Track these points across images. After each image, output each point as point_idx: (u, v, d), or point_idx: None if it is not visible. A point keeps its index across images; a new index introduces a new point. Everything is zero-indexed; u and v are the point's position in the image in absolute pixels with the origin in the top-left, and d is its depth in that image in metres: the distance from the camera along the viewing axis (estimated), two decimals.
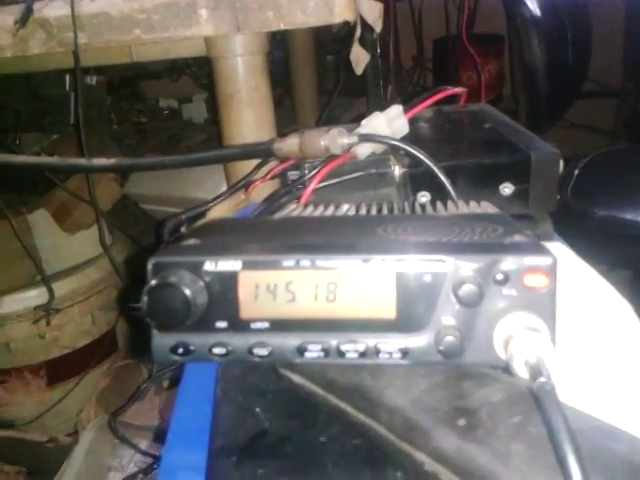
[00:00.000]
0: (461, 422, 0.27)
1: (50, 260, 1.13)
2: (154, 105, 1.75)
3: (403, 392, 0.30)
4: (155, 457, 0.92)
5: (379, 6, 0.83)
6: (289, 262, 0.30)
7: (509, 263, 0.29)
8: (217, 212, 0.68)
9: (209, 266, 0.30)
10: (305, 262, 0.30)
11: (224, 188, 1.00)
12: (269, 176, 0.69)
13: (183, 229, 0.67)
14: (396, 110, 0.56)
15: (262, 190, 0.73)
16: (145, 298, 0.29)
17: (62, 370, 1.17)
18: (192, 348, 0.31)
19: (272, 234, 0.36)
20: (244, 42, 0.84)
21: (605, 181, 1.10)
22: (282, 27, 0.80)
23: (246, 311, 0.30)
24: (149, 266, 0.30)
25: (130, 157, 0.55)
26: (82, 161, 0.57)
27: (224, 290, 0.30)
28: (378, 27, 0.85)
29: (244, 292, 0.30)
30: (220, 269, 0.30)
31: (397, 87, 1.73)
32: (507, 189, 0.53)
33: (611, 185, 1.07)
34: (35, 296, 1.08)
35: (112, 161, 0.57)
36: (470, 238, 0.32)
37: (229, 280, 0.30)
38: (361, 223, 0.40)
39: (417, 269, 0.29)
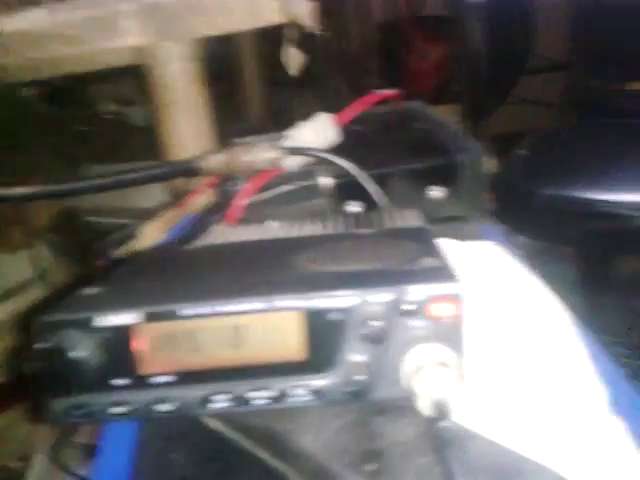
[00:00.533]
0: (369, 467, 0.26)
1: None
2: (94, 110, 1.70)
3: (315, 435, 0.29)
4: None
5: (309, 5, 0.81)
6: (188, 311, 0.28)
7: (415, 293, 0.28)
8: (151, 229, 0.66)
9: (99, 321, 0.28)
10: (205, 309, 0.28)
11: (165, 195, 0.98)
12: (205, 188, 0.67)
13: (114, 252, 0.65)
14: (324, 119, 0.55)
15: (197, 201, 0.71)
16: (29, 363, 0.27)
17: (8, 396, 1.13)
18: (91, 409, 0.29)
19: (175, 276, 0.35)
20: (175, 50, 0.81)
21: (551, 161, 1.11)
22: (209, 33, 0.77)
23: (144, 365, 0.29)
24: (33, 327, 0.28)
25: (51, 184, 0.53)
26: (1, 190, 0.55)
27: (118, 345, 0.28)
28: (311, 26, 0.83)
29: (140, 346, 0.28)
30: (111, 324, 0.28)
31: (346, 75, 1.72)
32: (436, 192, 0.52)
33: (557, 164, 1.08)
34: None
35: (32, 189, 0.55)
36: (381, 266, 0.31)
37: (122, 334, 0.28)
38: (276, 252, 0.38)
39: (324, 306, 0.28)
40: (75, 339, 0.27)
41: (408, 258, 0.32)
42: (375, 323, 0.28)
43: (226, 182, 0.61)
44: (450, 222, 0.52)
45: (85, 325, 0.28)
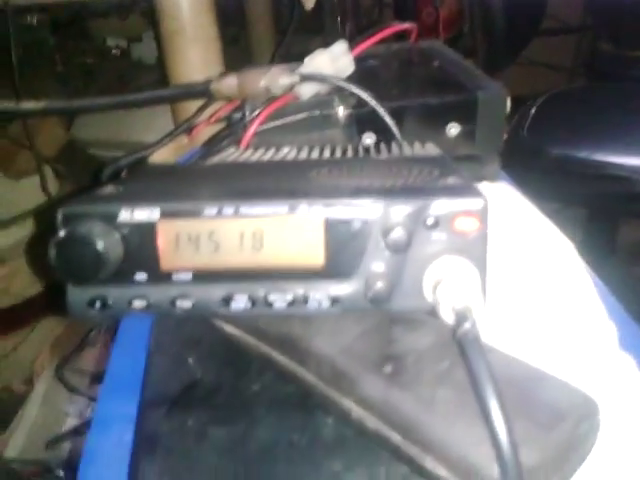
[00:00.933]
0: (387, 369, 0.27)
1: None
2: (101, 45, 1.66)
3: (332, 340, 0.29)
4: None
5: None
6: (211, 210, 0.28)
7: (439, 206, 0.28)
8: (159, 157, 0.66)
9: (124, 216, 0.28)
10: (228, 210, 0.28)
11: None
12: (213, 119, 0.66)
13: (123, 175, 0.64)
14: (341, 47, 0.54)
15: (206, 133, 0.70)
16: (52, 251, 0.27)
17: (14, 319, 1.14)
18: (110, 302, 0.29)
19: (198, 181, 0.34)
20: None
21: (561, 120, 1.10)
22: None
23: (167, 262, 0.29)
24: (58, 216, 0.28)
25: (62, 100, 0.52)
26: (10, 104, 0.54)
27: (142, 241, 0.28)
28: None
29: (164, 242, 0.28)
30: (137, 218, 0.28)
31: (356, 24, 1.68)
32: (453, 129, 0.52)
33: (567, 124, 1.07)
34: None
35: (41, 104, 0.53)
36: (404, 182, 0.31)
37: (147, 230, 0.28)
38: (295, 167, 0.38)
39: (346, 215, 0.28)
40: (100, 231, 0.27)
41: (432, 177, 0.32)
42: (398, 233, 0.28)
43: (235, 110, 0.61)
44: (467, 161, 0.51)
45: (111, 218, 0.28)
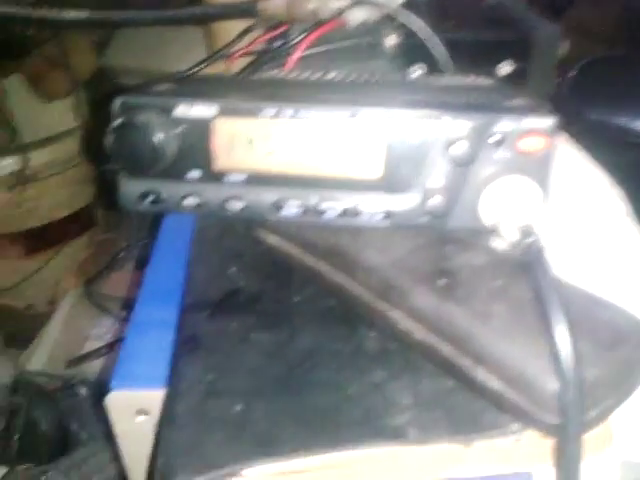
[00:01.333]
0: (441, 282, 0.26)
1: (26, 129, 1.08)
2: None
3: (383, 253, 0.29)
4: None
5: None
6: (270, 110, 0.28)
7: (505, 123, 0.27)
8: None
9: (182, 110, 0.27)
10: (288, 111, 0.28)
11: None
12: (252, 46, 0.64)
13: None
14: None
15: (245, 62, 0.69)
16: (109, 137, 0.26)
17: (40, 241, 1.15)
18: (162, 197, 0.29)
19: (253, 85, 0.34)
20: None
21: (600, 86, 1.06)
22: None
23: (221, 162, 0.28)
24: (116, 105, 0.27)
25: (103, 12, 0.51)
26: (52, 12, 0.52)
27: (198, 137, 0.28)
28: None
29: (219, 141, 0.28)
30: (194, 114, 0.27)
31: None
32: (506, 68, 0.50)
33: (606, 90, 1.03)
34: (11, 163, 1.04)
35: (84, 14, 0.52)
36: (467, 100, 0.30)
37: (203, 127, 0.28)
38: (351, 84, 0.37)
39: (409, 125, 0.27)
40: (156, 123, 0.27)
41: (496, 98, 0.31)
42: (462, 146, 0.27)
43: (274, 38, 0.59)
44: None
45: (168, 111, 0.27)
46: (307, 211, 0.29)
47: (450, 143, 0.27)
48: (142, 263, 1.05)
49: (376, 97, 0.30)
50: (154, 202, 0.29)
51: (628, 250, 0.36)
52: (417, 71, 0.50)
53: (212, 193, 0.29)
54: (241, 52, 0.64)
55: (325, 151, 0.28)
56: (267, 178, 0.28)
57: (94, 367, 0.95)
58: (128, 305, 0.94)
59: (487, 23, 0.54)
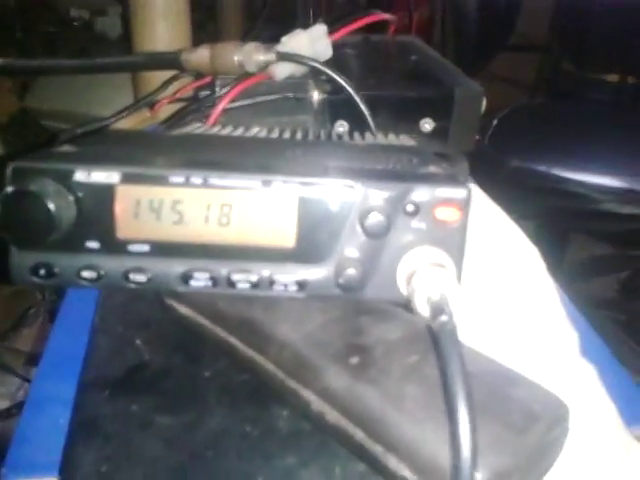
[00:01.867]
0: (354, 360, 0.25)
1: None
2: (65, 15, 1.59)
3: (296, 327, 0.27)
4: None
5: None
6: (178, 178, 0.26)
7: (421, 193, 0.26)
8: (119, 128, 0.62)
9: (80, 176, 0.25)
10: (196, 179, 0.26)
11: None
12: (178, 94, 0.63)
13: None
14: (320, 30, 0.52)
15: (170, 110, 0.67)
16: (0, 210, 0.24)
17: None
18: (56, 270, 0.26)
19: (163, 147, 0.32)
20: None
21: (522, 133, 1.11)
22: None
23: (124, 230, 0.26)
24: (8, 171, 0.25)
25: (21, 59, 0.48)
26: None
27: (98, 205, 0.26)
28: None
29: (122, 209, 0.26)
30: (94, 180, 0.26)
31: (329, 19, 1.67)
32: (427, 125, 0.51)
33: (527, 137, 1.08)
34: None
35: (0, 61, 0.50)
36: (383, 166, 0.29)
37: (104, 194, 0.26)
38: (269, 145, 0.36)
39: (322, 194, 0.26)
40: (53, 190, 0.25)
41: (412, 165, 0.30)
42: (377, 217, 0.26)
43: (203, 88, 0.58)
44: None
45: (66, 177, 0.25)
46: (218, 283, 0.27)
47: (364, 213, 0.26)
48: (53, 317, 0.99)
49: (290, 163, 0.29)
50: (47, 276, 0.26)
51: (547, 311, 0.36)
52: (340, 127, 0.51)
53: (113, 264, 0.27)
54: (166, 100, 0.63)
55: (236, 220, 0.27)
56: (174, 248, 0.27)
57: (5, 426, 0.88)
58: (34, 362, 0.88)
59: (409, 80, 0.55)
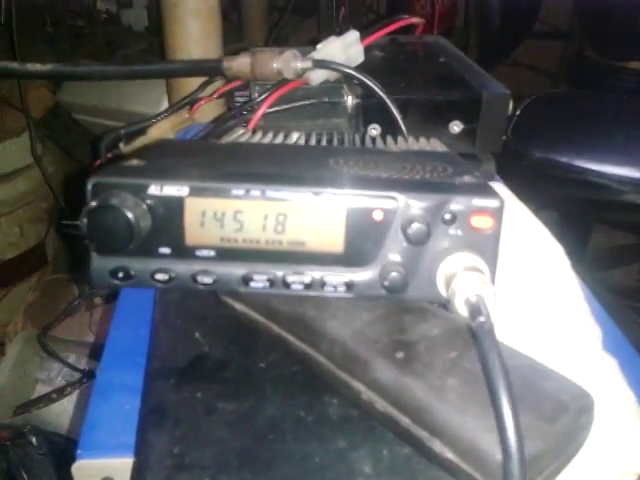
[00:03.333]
0: (399, 355, 0.28)
1: None
2: (91, 8, 1.62)
3: (345, 324, 0.30)
4: (84, 371, 0.92)
5: None
6: (239, 191, 0.29)
7: (458, 203, 0.29)
8: (159, 130, 0.66)
9: (154, 190, 0.29)
10: (255, 192, 0.29)
11: (163, 103, 0.96)
12: (215, 95, 0.66)
13: (121, 145, 0.64)
14: (353, 36, 0.54)
15: (206, 110, 0.70)
16: (85, 220, 0.27)
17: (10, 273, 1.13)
18: (133, 273, 0.30)
19: (221, 159, 0.35)
20: None
21: (544, 123, 1.12)
22: None
23: (191, 238, 0.29)
24: (88, 186, 0.28)
25: (69, 64, 0.51)
26: (14, 65, 0.52)
27: (169, 215, 0.29)
28: None
29: (190, 218, 0.29)
30: (165, 194, 0.29)
31: (350, 9, 1.68)
32: (456, 127, 0.53)
33: (550, 128, 1.09)
34: None
35: (48, 67, 0.53)
36: (421, 176, 0.32)
37: (175, 205, 0.29)
38: (312, 154, 0.39)
39: (368, 205, 0.29)
40: (131, 203, 0.28)
41: (447, 174, 0.33)
42: (418, 226, 0.29)
43: (240, 89, 0.61)
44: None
45: (141, 191, 0.28)
46: (274, 284, 0.30)
47: (406, 223, 0.29)
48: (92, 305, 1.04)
49: (337, 174, 0.32)
50: (124, 279, 0.30)
51: (571, 308, 0.39)
52: (372, 130, 0.53)
53: (183, 268, 0.30)
54: (203, 101, 0.66)
55: (290, 228, 0.30)
56: (236, 253, 0.30)
57: (43, 413, 0.93)
58: (78, 350, 0.92)
59: (438, 83, 0.57)
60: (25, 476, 0.79)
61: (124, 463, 0.34)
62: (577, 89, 1.59)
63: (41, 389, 1.00)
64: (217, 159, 0.35)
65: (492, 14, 1.28)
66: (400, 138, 0.47)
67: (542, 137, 1.05)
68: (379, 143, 0.46)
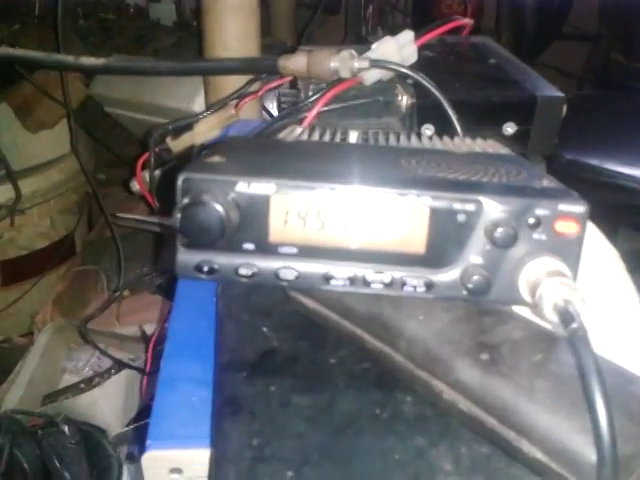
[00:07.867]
0: (484, 356, 0.28)
1: (10, 158, 1.07)
2: (120, 2, 1.63)
3: (424, 324, 0.31)
4: (120, 361, 0.92)
5: None
6: (324, 190, 0.29)
7: (543, 208, 0.29)
8: (205, 125, 0.66)
9: (241, 187, 0.29)
10: (339, 192, 0.29)
11: (197, 98, 0.96)
12: (260, 93, 0.66)
13: (168, 139, 0.64)
14: (407, 36, 0.54)
15: (250, 107, 0.71)
16: (178, 215, 0.28)
17: (18, 271, 1.14)
18: (217, 267, 0.30)
19: (298, 158, 0.35)
20: None
21: (575, 126, 1.12)
22: None
23: (275, 235, 0.30)
24: (179, 182, 0.29)
25: (121, 59, 0.52)
26: (69, 58, 0.53)
27: (255, 212, 0.29)
28: None
29: (275, 216, 0.29)
30: (253, 191, 0.29)
31: (378, 7, 1.68)
32: (510, 128, 0.53)
33: (580, 130, 1.09)
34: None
35: (102, 61, 0.53)
36: (500, 179, 0.32)
37: (261, 202, 0.29)
38: (381, 153, 0.39)
39: (452, 207, 0.29)
40: (222, 200, 0.28)
41: (525, 178, 0.33)
42: (504, 229, 0.29)
43: (290, 87, 0.61)
44: None
45: (230, 188, 0.29)
46: (354, 282, 0.31)
47: (492, 227, 0.29)
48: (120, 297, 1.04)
49: (418, 177, 0.32)
50: (209, 272, 0.30)
51: (629, 311, 0.39)
52: (426, 130, 0.53)
53: (266, 264, 0.30)
54: (249, 98, 0.66)
55: (373, 227, 0.30)
56: (318, 251, 0.30)
57: (72, 403, 0.93)
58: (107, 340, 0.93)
59: (492, 84, 0.57)
60: (57, 464, 0.80)
61: (193, 454, 0.35)
62: (606, 91, 1.58)
63: (69, 379, 1.01)
64: (294, 157, 0.35)
65: (527, 15, 1.27)
66: (457, 139, 0.47)
67: (572, 139, 1.05)
68: (436, 143, 0.46)
